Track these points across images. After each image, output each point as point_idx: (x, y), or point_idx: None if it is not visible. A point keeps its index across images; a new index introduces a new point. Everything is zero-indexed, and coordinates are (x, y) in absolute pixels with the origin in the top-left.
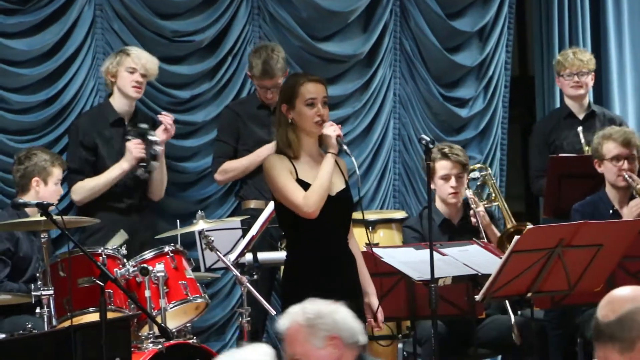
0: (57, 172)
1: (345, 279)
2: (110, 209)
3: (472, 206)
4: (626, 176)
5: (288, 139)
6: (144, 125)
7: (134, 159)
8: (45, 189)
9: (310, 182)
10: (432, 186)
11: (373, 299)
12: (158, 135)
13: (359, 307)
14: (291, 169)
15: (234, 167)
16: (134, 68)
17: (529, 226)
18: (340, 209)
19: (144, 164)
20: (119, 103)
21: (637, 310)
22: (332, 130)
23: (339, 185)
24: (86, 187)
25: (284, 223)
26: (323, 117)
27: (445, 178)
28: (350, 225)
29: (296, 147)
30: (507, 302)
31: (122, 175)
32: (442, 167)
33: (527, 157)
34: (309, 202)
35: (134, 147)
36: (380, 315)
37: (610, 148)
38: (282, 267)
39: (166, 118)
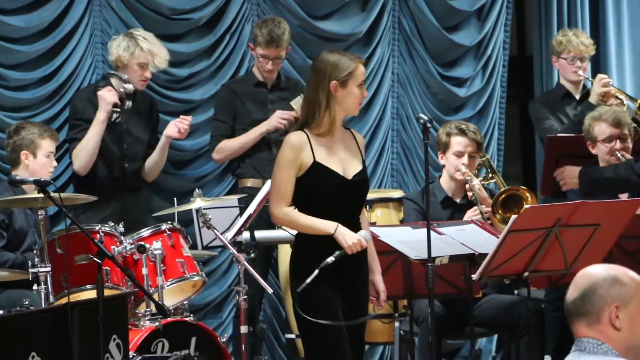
0: (46, 144)
1: (353, 259)
2: (104, 187)
3: (468, 179)
4: (619, 155)
5: (332, 115)
6: (112, 72)
7: (108, 104)
8: (35, 162)
9: (327, 166)
10: (442, 161)
11: (377, 277)
12: (170, 132)
13: (363, 285)
14: (303, 161)
15: (229, 145)
16: (146, 64)
17: (522, 189)
18: (356, 192)
19: (118, 109)
20: (120, 84)
21: (597, 283)
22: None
23: (355, 167)
24: (78, 150)
25: (297, 203)
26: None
27: (459, 154)
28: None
29: (335, 125)
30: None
31: (102, 125)
32: (458, 143)
33: (525, 137)
34: (279, 218)
35: (106, 93)
36: (383, 295)
37: (602, 129)
38: (279, 246)
39: (183, 122)
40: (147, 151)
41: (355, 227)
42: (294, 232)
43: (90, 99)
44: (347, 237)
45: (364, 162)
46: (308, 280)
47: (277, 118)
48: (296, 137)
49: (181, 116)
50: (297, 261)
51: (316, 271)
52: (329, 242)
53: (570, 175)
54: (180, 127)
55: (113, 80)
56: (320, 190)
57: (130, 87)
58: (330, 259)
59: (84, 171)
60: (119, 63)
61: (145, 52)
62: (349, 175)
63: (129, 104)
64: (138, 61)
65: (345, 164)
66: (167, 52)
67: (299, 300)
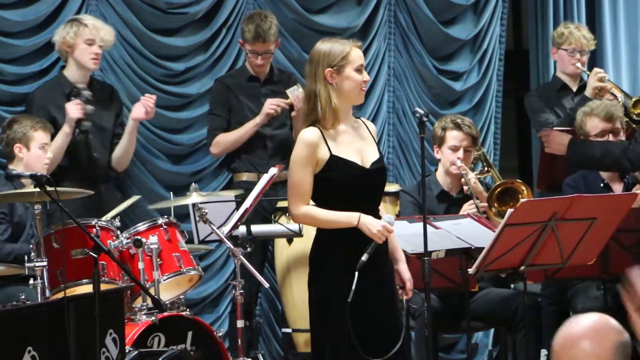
0: (39, 136)
1: (378, 259)
2: (75, 181)
3: (463, 173)
4: None
5: (334, 104)
6: (80, 85)
7: (71, 119)
8: (29, 154)
9: (346, 157)
10: (438, 155)
11: (402, 266)
12: (135, 114)
13: (384, 279)
14: (319, 157)
15: (225, 139)
16: (92, 40)
17: (517, 182)
18: (375, 180)
19: (80, 125)
20: (74, 74)
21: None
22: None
23: (372, 155)
24: None
25: (316, 199)
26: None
27: (454, 149)
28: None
29: (341, 115)
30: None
31: (67, 138)
32: (453, 137)
33: (522, 131)
34: (299, 217)
35: (71, 108)
36: (409, 284)
37: (595, 124)
38: (276, 239)
39: (148, 100)
40: (112, 140)
41: (377, 218)
42: (293, 228)
43: (49, 96)
44: (372, 226)
45: (379, 150)
46: (353, 287)
47: (268, 105)
48: (310, 134)
49: (146, 94)
50: (319, 254)
51: (356, 274)
52: (351, 234)
53: (556, 141)
54: (146, 106)
55: (81, 94)
56: (341, 183)
57: (90, 108)
58: (365, 257)
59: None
60: (66, 47)
61: (90, 27)
62: (367, 164)
63: (87, 124)
64: (84, 38)
65: (363, 153)
66: (113, 30)
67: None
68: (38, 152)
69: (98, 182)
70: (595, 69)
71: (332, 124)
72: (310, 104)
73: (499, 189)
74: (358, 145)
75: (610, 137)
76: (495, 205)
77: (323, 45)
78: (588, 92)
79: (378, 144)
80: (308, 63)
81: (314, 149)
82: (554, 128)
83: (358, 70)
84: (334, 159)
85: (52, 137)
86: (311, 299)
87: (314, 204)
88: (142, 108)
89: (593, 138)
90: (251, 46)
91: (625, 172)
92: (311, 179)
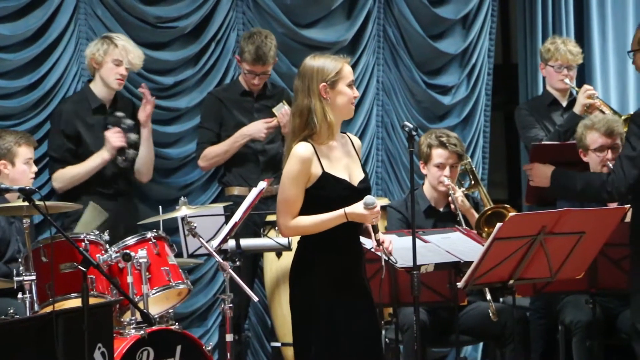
0: (23, 151)
1: (358, 268)
2: (95, 194)
3: (450, 192)
4: (610, 165)
5: (329, 119)
6: (119, 114)
7: (113, 148)
8: (14, 170)
9: (337, 175)
10: (424, 171)
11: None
12: (140, 116)
13: (366, 292)
14: (312, 173)
15: (214, 152)
16: (120, 61)
17: (507, 207)
18: (361, 199)
19: (124, 153)
20: (100, 90)
21: None
22: None
23: (358, 174)
24: (67, 175)
25: (304, 209)
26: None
27: (440, 166)
28: None
29: (333, 129)
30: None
31: (103, 165)
32: (439, 155)
33: (510, 144)
34: (289, 231)
35: (112, 137)
36: (387, 242)
37: (594, 138)
38: (265, 253)
39: (146, 93)
40: (136, 154)
41: (358, 238)
42: (282, 242)
43: (76, 110)
44: (358, 214)
45: (364, 168)
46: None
47: (263, 129)
48: (304, 149)
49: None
50: (300, 269)
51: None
52: (332, 243)
53: (539, 174)
54: (145, 96)
55: (122, 122)
56: (330, 200)
57: (134, 137)
58: (373, 240)
59: (63, 191)
60: (94, 63)
61: (119, 48)
62: (355, 182)
63: (133, 152)
64: (112, 57)
65: (350, 170)
66: (142, 54)
67: (298, 309)
68: (23, 167)
69: (117, 196)
70: (585, 86)
71: (326, 138)
72: (303, 119)
73: (487, 213)
74: (346, 161)
75: (609, 154)
76: (486, 230)
77: (315, 61)
78: (577, 109)
79: (363, 163)
80: (299, 78)
81: (307, 165)
82: (544, 142)
83: (349, 85)
84: (325, 176)
85: (36, 149)
86: (295, 310)
87: None
88: (145, 106)
89: (592, 152)
90: (250, 66)
91: (606, 202)
92: (302, 195)
